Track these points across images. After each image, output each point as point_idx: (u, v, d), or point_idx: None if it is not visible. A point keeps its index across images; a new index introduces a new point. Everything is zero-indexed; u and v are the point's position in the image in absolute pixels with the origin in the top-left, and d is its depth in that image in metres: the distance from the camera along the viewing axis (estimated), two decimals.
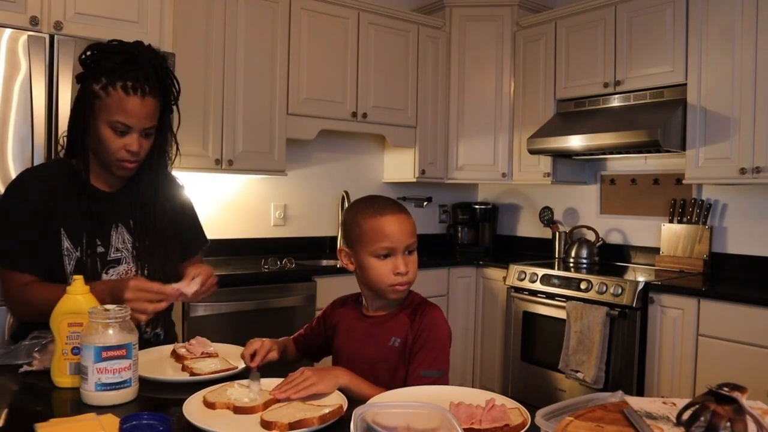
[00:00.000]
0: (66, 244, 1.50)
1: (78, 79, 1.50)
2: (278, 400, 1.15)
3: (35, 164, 2.21)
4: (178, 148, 1.66)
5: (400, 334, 1.37)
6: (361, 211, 1.38)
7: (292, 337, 1.60)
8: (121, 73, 1.43)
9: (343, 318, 1.49)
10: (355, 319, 1.46)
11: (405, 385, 1.29)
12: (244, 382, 1.25)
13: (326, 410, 1.08)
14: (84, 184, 1.53)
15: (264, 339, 1.41)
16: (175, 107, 1.59)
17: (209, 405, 1.14)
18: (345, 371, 1.26)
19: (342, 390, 1.21)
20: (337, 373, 1.25)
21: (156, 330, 1.65)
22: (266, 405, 1.13)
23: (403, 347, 1.36)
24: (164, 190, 1.63)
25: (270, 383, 1.23)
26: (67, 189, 1.53)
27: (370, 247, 1.34)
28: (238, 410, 1.12)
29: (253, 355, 1.36)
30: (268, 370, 1.34)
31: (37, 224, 1.49)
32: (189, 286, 1.40)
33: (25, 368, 1.35)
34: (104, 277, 1.53)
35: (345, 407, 1.12)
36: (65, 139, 1.57)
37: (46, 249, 1.50)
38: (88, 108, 1.47)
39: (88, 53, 1.48)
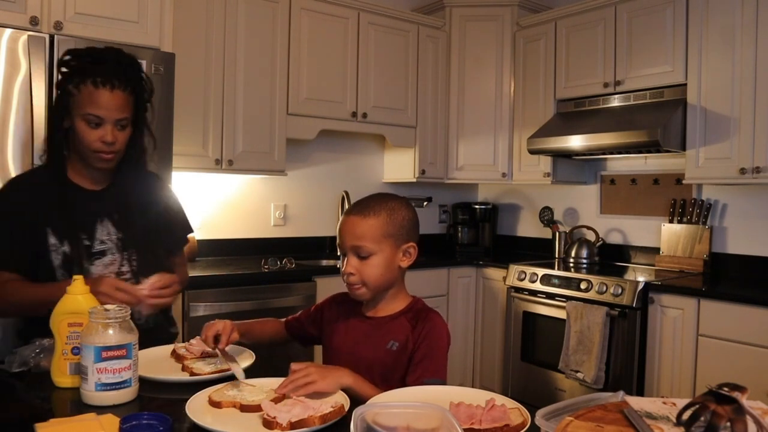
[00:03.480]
0: (52, 240, 1.57)
1: (57, 85, 1.59)
2: (284, 398, 1.15)
3: (35, 164, 2.23)
4: (155, 145, 1.73)
5: (399, 338, 1.36)
6: None
7: (284, 319, 1.63)
8: (91, 70, 1.53)
9: (342, 316, 1.49)
10: (354, 318, 1.45)
11: None
12: (264, 380, 1.26)
13: (328, 410, 1.08)
14: (62, 183, 1.62)
15: (225, 320, 1.44)
16: (149, 106, 1.68)
17: (215, 404, 1.15)
18: (349, 372, 1.25)
19: (345, 391, 1.21)
20: (341, 373, 1.24)
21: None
22: (275, 403, 1.13)
23: (401, 352, 1.35)
24: (146, 186, 1.74)
25: (276, 382, 1.23)
26: (50, 189, 1.62)
27: None
28: (245, 408, 1.13)
29: (216, 338, 1.39)
30: (282, 371, 1.35)
31: (19, 224, 1.57)
32: (142, 289, 1.45)
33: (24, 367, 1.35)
34: (91, 269, 1.60)
35: (347, 407, 1.12)
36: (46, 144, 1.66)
37: (29, 247, 1.57)
38: (63, 107, 1.56)
39: (64, 58, 1.57)
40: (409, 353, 1.35)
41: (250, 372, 1.36)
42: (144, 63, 2.44)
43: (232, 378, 1.31)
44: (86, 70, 1.53)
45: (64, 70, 1.56)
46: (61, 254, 1.57)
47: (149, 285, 1.45)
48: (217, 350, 1.39)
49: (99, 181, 1.67)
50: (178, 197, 1.89)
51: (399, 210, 1.38)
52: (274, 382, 1.24)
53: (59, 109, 1.58)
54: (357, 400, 1.17)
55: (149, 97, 1.67)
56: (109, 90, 1.53)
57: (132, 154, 1.66)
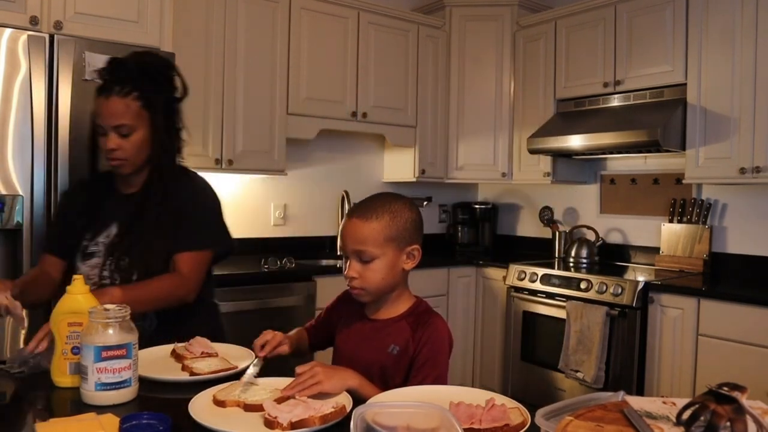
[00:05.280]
0: (79, 236, 1.68)
1: None
2: (288, 398, 1.15)
3: (35, 163, 2.27)
4: (168, 148, 1.69)
5: (400, 342, 1.35)
6: None
7: (305, 326, 1.60)
8: (100, 80, 1.60)
9: (346, 316, 1.48)
10: (357, 319, 1.44)
11: None
12: (268, 379, 1.26)
13: (329, 410, 1.08)
14: (104, 186, 1.73)
15: (277, 332, 1.42)
16: (166, 107, 1.66)
17: (219, 403, 1.15)
18: (355, 373, 1.25)
19: (350, 392, 1.20)
20: (346, 374, 1.24)
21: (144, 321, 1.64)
22: (277, 403, 1.13)
23: (401, 356, 1.34)
24: (169, 188, 1.67)
25: (282, 382, 1.23)
26: (95, 190, 1.73)
27: None
28: (249, 408, 1.13)
29: (264, 346, 1.38)
30: (282, 369, 1.34)
31: (66, 219, 1.74)
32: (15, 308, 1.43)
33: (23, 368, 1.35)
34: (81, 267, 1.66)
35: (349, 408, 1.12)
36: None
37: (69, 240, 1.69)
38: (93, 118, 1.66)
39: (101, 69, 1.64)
40: (410, 358, 1.33)
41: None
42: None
43: (232, 378, 1.31)
44: (100, 80, 1.59)
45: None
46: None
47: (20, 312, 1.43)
48: (259, 356, 1.38)
49: (132, 184, 1.70)
50: (214, 204, 1.76)
51: (402, 212, 1.35)
52: (279, 382, 1.24)
53: (93, 119, 1.65)
54: (361, 401, 1.16)
55: (168, 98, 1.65)
56: (105, 98, 1.56)
57: (155, 157, 1.65)
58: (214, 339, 1.56)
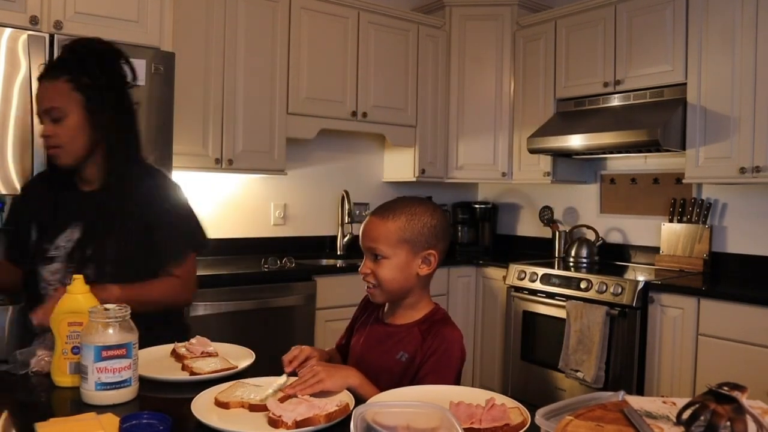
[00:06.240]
0: (33, 238, 1.61)
1: None
2: (290, 397, 1.15)
3: (35, 163, 2.25)
4: (119, 140, 1.57)
5: (409, 349, 1.34)
6: None
7: (335, 345, 1.59)
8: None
9: (365, 318, 1.48)
10: (372, 322, 1.44)
11: None
12: (269, 379, 1.25)
13: (333, 408, 1.08)
14: (61, 183, 1.63)
15: (305, 346, 1.39)
16: (110, 97, 1.54)
17: (222, 405, 1.14)
18: (356, 372, 1.25)
19: (350, 390, 1.20)
20: (347, 373, 1.23)
21: None
22: (280, 402, 1.13)
23: (410, 363, 1.33)
24: (131, 186, 1.57)
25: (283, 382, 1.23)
26: (51, 188, 1.63)
27: None
28: (254, 408, 1.13)
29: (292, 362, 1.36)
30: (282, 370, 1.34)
31: (20, 220, 1.65)
32: None
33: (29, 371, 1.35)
34: (42, 272, 1.57)
35: (352, 406, 1.12)
36: None
37: (27, 243, 1.62)
38: None
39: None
40: (416, 367, 1.32)
41: (252, 371, 1.35)
42: (142, 59, 2.45)
43: (232, 378, 1.31)
44: None
45: None
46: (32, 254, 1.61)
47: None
48: (286, 371, 1.32)
49: (89, 181, 1.60)
50: (183, 203, 1.71)
51: (420, 215, 1.34)
52: (281, 381, 1.24)
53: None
54: (360, 400, 1.16)
55: (110, 83, 1.53)
56: (42, 82, 1.49)
57: (107, 154, 1.55)
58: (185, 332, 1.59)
